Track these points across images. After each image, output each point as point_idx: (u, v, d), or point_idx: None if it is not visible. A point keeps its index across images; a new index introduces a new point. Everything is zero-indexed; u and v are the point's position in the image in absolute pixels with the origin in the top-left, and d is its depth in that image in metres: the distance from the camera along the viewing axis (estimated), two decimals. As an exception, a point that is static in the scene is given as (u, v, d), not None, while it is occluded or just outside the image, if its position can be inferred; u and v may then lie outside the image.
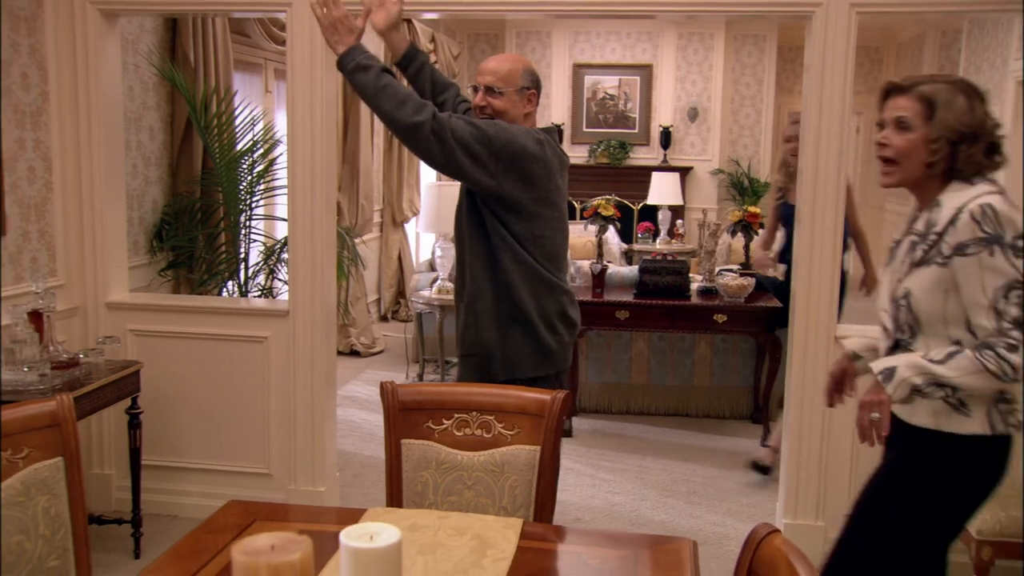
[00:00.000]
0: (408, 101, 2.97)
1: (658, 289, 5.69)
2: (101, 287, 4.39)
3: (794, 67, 13.24)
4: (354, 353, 7.71)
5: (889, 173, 2.46)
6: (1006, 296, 2.25)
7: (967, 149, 2.36)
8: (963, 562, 3.66)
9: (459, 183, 3.23)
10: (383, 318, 9.10)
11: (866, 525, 2.57)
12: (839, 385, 2.79)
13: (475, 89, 3.23)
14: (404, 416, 2.70)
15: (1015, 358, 2.25)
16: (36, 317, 3.68)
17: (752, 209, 5.69)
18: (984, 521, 3.38)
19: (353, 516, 2.41)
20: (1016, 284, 2.25)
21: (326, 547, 2.26)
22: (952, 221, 2.33)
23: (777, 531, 1.73)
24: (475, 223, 3.19)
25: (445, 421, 2.70)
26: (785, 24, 11.44)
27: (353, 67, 2.99)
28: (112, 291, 4.42)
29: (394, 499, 2.67)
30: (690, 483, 5.09)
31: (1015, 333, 2.25)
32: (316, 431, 4.32)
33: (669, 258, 5.80)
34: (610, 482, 5.11)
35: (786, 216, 5.13)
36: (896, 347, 2.49)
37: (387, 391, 2.72)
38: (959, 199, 2.36)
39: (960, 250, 2.31)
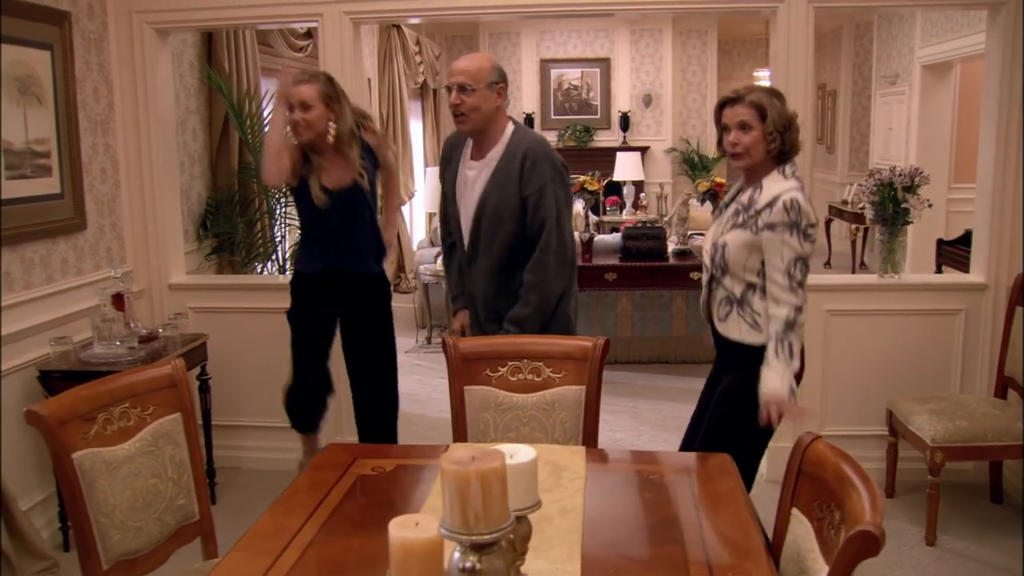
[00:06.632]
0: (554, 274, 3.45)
1: (640, 253, 5.79)
2: (163, 271, 4.42)
3: (731, 57, 13.39)
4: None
5: (741, 160, 2.83)
6: (795, 265, 2.72)
7: (790, 136, 2.80)
8: (919, 468, 3.83)
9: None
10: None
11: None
12: None
13: (449, 89, 3.15)
14: (465, 366, 2.76)
15: (791, 329, 2.72)
16: (118, 299, 3.72)
17: (718, 180, 5.80)
18: (937, 431, 3.59)
19: (437, 452, 2.49)
20: (802, 257, 2.72)
21: (425, 476, 2.35)
22: (770, 204, 2.74)
23: (819, 437, 1.84)
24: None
25: (501, 368, 2.76)
26: (722, 20, 11.55)
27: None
28: (172, 274, 4.45)
29: (459, 437, 2.73)
30: (678, 419, 5.21)
31: (800, 293, 2.72)
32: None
33: (648, 225, 5.90)
34: (610, 422, 5.22)
35: None
36: (712, 280, 2.91)
37: (449, 345, 2.78)
38: (776, 188, 2.77)
39: (770, 227, 2.73)
